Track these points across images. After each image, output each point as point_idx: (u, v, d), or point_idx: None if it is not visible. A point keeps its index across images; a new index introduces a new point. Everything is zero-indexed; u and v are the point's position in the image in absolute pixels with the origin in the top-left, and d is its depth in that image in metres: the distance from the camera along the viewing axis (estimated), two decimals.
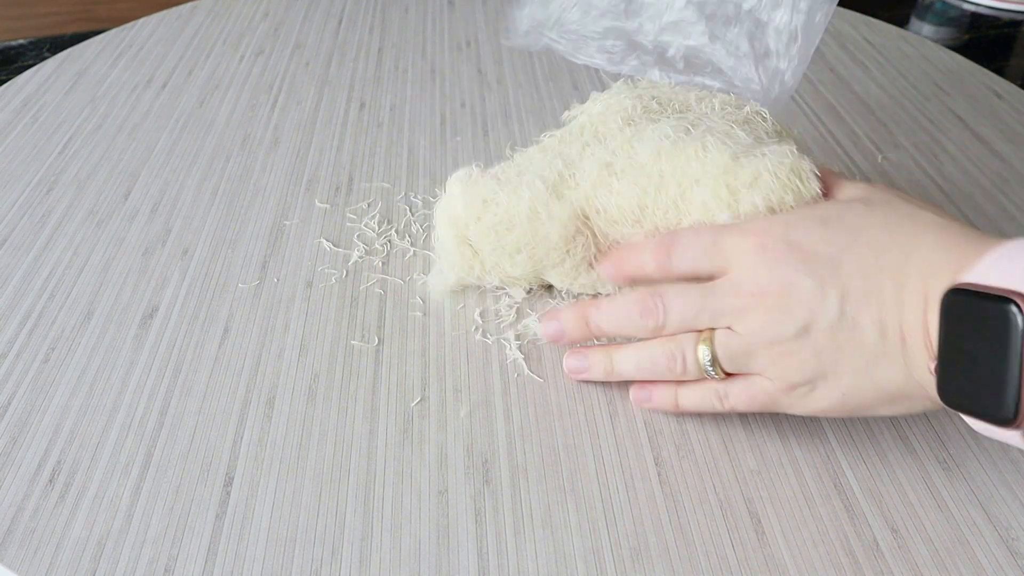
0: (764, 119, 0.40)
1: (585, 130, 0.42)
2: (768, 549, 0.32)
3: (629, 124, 0.40)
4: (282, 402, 0.37)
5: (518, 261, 0.40)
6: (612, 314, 0.36)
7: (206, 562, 0.31)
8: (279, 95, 0.62)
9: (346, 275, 0.44)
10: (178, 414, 0.37)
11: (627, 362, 0.36)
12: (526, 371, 0.39)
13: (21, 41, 0.98)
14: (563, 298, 0.43)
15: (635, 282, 0.37)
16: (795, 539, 0.32)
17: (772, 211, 0.35)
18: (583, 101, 0.44)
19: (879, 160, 0.55)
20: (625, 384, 0.38)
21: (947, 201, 0.51)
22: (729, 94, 0.41)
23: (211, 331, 0.41)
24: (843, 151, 0.56)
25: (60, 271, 0.45)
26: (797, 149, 0.36)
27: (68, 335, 0.41)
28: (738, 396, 0.34)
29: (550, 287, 0.43)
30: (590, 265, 0.40)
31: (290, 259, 0.45)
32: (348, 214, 0.49)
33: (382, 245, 0.46)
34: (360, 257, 0.46)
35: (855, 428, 0.37)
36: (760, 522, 0.33)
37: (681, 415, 0.37)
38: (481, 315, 0.42)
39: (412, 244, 0.47)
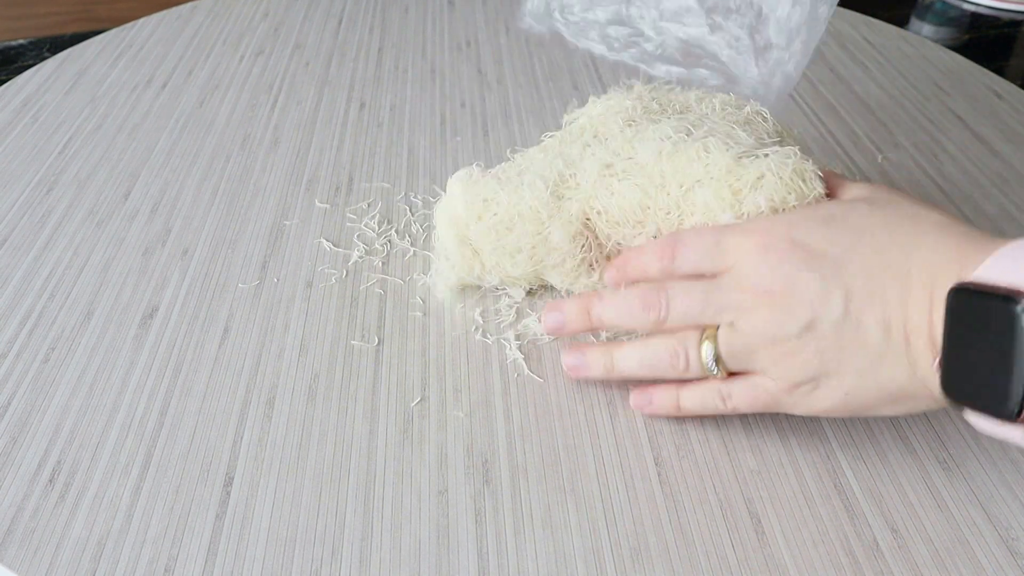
0: (765, 119, 0.40)
1: (586, 131, 0.42)
2: (768, 549, 0.32)
3: (630, 125, 0.40)
4: (282, 402, 0.37)
5: (518, 261, 0.40)
6: (614, 306, 0.36)
7: (206, 562, 0.31)
8: (279, 95, 0.62)
9: (346, 275, 0.44)
10: (178, 414, 0.37)
11: (628, 359, 0.36)
12: (526, 371, 0.39)
13: (21, 41, 0.98)
14: (563, 298, 0.43)
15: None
16: (795, 539, 0.32)
17: (775, 212, 0.35)
18: (583, 101, 0.44)
19: (879, 160, 0.55)
20: (625, 384, 0.38)
21: (947, 201, 0.51)
22: (729, 94, 0.41)
23: (211, 331, 0.41)
24: (843, 151, 0.56)
25: (60, 271, 0.45)
26: (799, 150, 0.36)
27: (68, 335, 0.41)
28: (741, 396, 0.34)
29: (551, 287, 0.43)
30: (590, 266, 0.40)
31: (290, 259, 0.45)
32: (348, 214, 0.49)
33: (382, 245, 0.46)
34: (360, 257, 0.46)
35: (855, 428, 0.37)
36: (760, 522, 0.33)
37: (682, 417, 0.37)
38: (481, 315, 0.42)
39: (412, 244, 0.47)
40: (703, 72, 0.41)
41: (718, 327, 0.33)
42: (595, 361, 0.37)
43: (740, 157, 0.35)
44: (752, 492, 0.34)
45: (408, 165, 0.53)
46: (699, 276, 0.35)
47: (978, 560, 0.32)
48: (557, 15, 0.41)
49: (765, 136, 0.38)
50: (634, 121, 0.40)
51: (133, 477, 0.34)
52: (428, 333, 0.41)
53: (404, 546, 0.32)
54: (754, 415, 0.37)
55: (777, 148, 0.36)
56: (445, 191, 0.41)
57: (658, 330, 0.35)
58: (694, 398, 0.35)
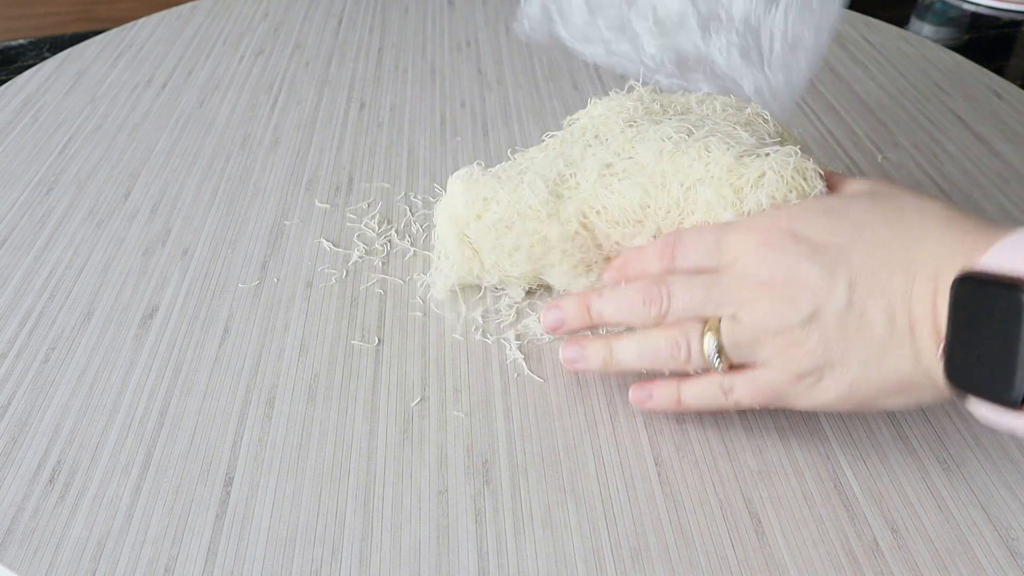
0: (765, 120, 0.40)
1: (587, 131, 0.42)
2: (768, 549, 0.32)
3: (631, 125, 0.40)
4: (282, 402, 0.37)
5: (516, 260, 0.40)
6: (614, 301, 0.36)
7: (206, 562, 0.31)
8: (279, 95, 0.62)
9: (346, 275, 0.44)
10: (178, 414, 0.37)
11: (627, 351, 0.35)
12: (526, 371, 0.39)
13: (21, 41, 0.98)
14: (563, 296, 0.43)
15: None
16: (795, 539, 0.32)
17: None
18: (583, 101, 0.44)
19: (879, 160, 0.55)
20: (625, 383, 0.38)
21: (947, 201, 0.51)
22: (730, 96, 0.41)
23: (211, 331, 0.41)
24: (843, 151, 0.56)
25: (60, 271, 0.45)
26: (800, 150, 0.36)
27: (68, 335, 0.41)
28: (743, 389, 0.33)
29: (550, 287, 0.43)
30: (589, 266, 0.40)
31: (290, 259, 0.45)
32: (348, 214, 0.49)
33: (382, 245, 0.46)
34: (360, 257, 0.46)
35: (855, 428, 0.37)
36: (760, 522, 0.33)
37: (682, 413, 0.37)
38: (481, 315, 0.42)
39: (412, 244, 0.47)
40: (701, 82, 0.41)
41: (720, 319, 0.33)
42: (594, 353, 0.36)
43: (741, 156, 0.35)
44: (752, 492, 0.34)
45: (408, 165, 0.53)
46: (700, 272, 0.35)
47: (978, 560, 0.32)
48: (555, 23, 0.41)
49: (766, 136, 0.38)
50: (635, 122, 0.40)
51: (133, 477, 0.34)
52: (428, 333, 0.41)
53: (404, 546, 0.32)
54: (754, 414, 0.37)
55: (778, 148, 0.36)
56: (445, 190, 0.41)
57: (659, 325, 0.35)
58: (695, 392, 0.35)
